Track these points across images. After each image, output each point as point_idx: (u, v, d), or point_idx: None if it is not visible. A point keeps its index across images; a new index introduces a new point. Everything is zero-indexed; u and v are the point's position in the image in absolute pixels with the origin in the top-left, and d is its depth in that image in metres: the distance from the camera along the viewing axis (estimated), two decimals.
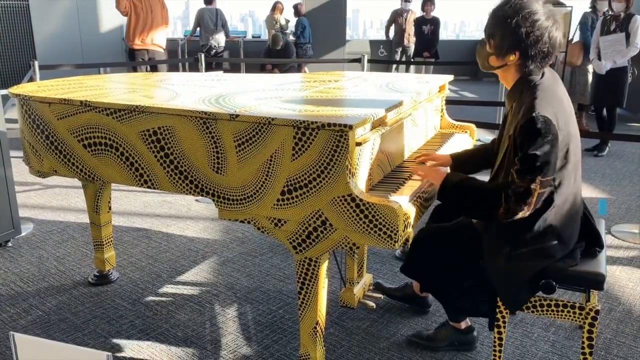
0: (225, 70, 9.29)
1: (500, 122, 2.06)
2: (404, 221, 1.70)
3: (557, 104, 1.76)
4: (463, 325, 2.28)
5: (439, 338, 2.30)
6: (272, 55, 8.67)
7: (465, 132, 2.85)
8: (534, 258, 1.82)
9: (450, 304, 2.21)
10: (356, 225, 1.71)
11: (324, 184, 1.73)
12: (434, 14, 8.81)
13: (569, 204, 1.85)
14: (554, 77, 1.86)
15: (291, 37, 9.60)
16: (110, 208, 2.86)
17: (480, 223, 1.99)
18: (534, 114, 1.68)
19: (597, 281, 1.84)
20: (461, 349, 2.30)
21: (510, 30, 1.74)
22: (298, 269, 1.91)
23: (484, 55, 1.88)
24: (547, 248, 1.82)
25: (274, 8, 9.46)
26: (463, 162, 2.19)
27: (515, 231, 1.83)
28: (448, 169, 2.00)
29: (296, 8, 9.49)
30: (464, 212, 1.97)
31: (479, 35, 12.99)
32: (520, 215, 1.73)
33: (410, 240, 1.99)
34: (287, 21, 9.62)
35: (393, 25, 9.39)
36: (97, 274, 2.92)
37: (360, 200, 1.69)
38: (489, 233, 1.91)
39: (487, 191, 1.80)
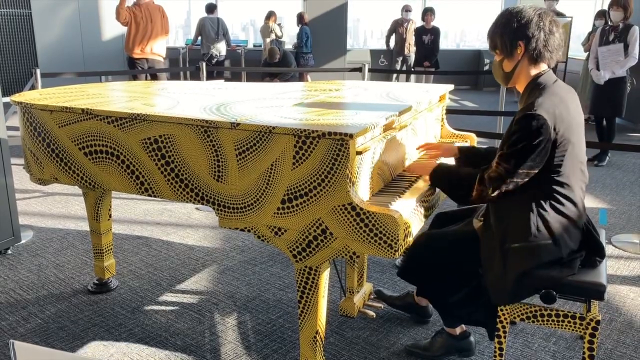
0: (227, 79, 9.31)
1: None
2: (405, 230, 1.70)
3: (561, 107, 1.79)
4: (458, 330, 2.28)
5: (435, 347, 2.29)
6: (266, 66, 8.70)
7: (466, 141, 2.86)
8: (523, 253, 1.83)
9: (446, 310, 2.21)
10: (356, 234, 1.71)
11: (325, 192, 1.73)
12: (434, 23, 8.86)
13: (569, 209, 1.86)
14: (568, 87, 1.91)
15: (287, 46, 9.63)
16: (110, 216, 2.86)
17: (480, 226, 2.00)
18: (532, 111, 1.74)
19: (597, 291, 1.84)
20: (459, 356, 2.29)
21: (505, 28, 1.88)
22: (298, 278, 1.90)
23: (498, 67, 1.96)
24: (537, 247, 1.83)
25: (268, 17, 9.50)
26: (469, 154, 2.25)
27: (511, 228, 1.85)
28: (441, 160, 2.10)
29: (300, 17, 9.52)
30: (448, 192, 2.04)
31: (480, 45, 13.05)
32: (489, 198, 1.85)
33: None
34: (280, 25, 9.64)
35: (394, 34, 9.44)
36: (97, 282, 2.91)
37: (361, 209, 1.69)
38: (487, 234, 1.94)
39: (470, 175, 1.91)
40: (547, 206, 1.83)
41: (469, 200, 1.93)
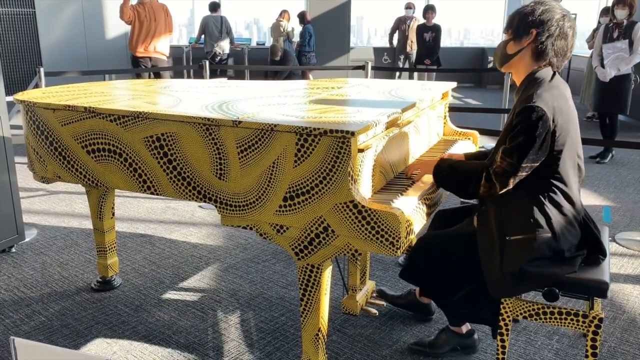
0: (230, 77, 9.33)
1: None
2: (406, 228, 1.70)
3: (561, 101, 1.81)
4: (464, 329, 2.28)
5: (440, 344, 2.29)
6: (272, 65, 8.70)
7: (469, 139, 2.85)
8: (522, 246, 1.83)
9: (450, 310, 2.20)
10: (358, 231, 1.71)
11: (326, 190, 1.73)
12: (435, 21, 8.83)
13: (567, 204, 1.87)
14: (565, 83, 1.93)
15: (295, 45, 9.61)
16: (113, 214, 2.87)
17: (477, 219, 2.00)
18: (531, 103, 1.75)
19: (600, 289, 1.84)
20: (463, 353, 2.29)
21: (527, 14, 1.89)
22: (300, 276, 1.90)
23: (502, 46, 1.97)
24: (537, 240, 1.83)
25: (281, 15, 9.46)
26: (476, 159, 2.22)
27: (511, 222, 1.86)
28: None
29: (302, 16, 9.50)
30: (454, 190, 2.03)
31: (483, 42, 13.04)
32: (497, 194, 1.85)
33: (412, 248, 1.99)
34: (293, 29, 9.63)
35: (396, 32, 9.42)
36: (100, 280, 2.92)
37: (363, 206, 1.69)
38: (485, 227, 1.94)
39: (474, 170, 1.90)
40: (546, 200, 1.84)
41: (475, 197, 1.93)
